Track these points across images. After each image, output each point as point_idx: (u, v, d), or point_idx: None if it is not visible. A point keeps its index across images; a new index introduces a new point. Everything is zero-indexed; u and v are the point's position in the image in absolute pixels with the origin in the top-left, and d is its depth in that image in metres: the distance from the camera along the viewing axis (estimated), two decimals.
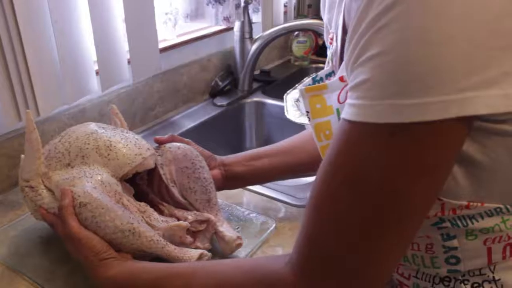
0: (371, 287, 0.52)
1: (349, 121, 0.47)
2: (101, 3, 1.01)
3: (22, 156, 0.77)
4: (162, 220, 0.75)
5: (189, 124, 1.31)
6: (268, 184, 0.99)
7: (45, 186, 0.74)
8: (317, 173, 0.51)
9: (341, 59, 0.64)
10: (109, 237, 0.68)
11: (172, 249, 0.70)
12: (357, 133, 0.47)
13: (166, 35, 1.22)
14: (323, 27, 1.34)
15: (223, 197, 0.95)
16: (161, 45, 1.28)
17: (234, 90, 1.49)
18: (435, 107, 0.42)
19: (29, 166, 0.74)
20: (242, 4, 1.37)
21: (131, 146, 0.77)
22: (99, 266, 0.67)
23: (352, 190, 0.47)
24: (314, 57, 1.86)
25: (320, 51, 1.87)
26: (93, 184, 0.70)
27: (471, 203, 0.56)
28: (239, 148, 1.47)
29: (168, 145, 0.84)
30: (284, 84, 1.52)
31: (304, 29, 1.63)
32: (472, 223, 0.59)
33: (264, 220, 0.87)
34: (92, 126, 0.79)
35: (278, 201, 0.94)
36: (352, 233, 0.48)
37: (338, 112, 0.62)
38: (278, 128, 1.42)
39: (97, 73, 1.07)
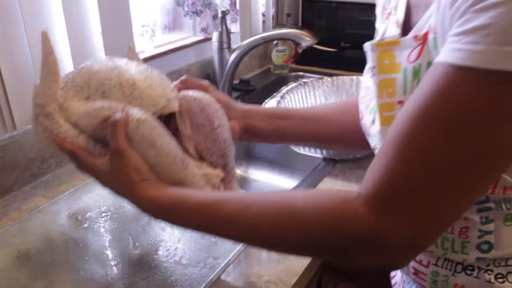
0: (442, 229, 0.52)
1: (454, 66, 0.47)
2: (77, 15, 1.02)
3: (35, 84, 0.67)
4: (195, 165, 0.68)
5: None
6: (246, 192, 1.00)
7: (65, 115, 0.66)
8: (400, 116, 0.51)
9: (404, 29, 0.63)
10: (156, 161, 0.63)
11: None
12: (462, 78, 0.47)
13: (144, 47, 1.23)
14: (301, 36, 1.37)
15: None
16: (140, 56, 1.28)
17: None
18: None
19: (45, 91, 0.65)
20: (220, 14, 1.39)
21: (156, 86, 0.67)
22: (141, 185, 0.63)
23: (446, 133, 0.47)
24: (293, 66, 1.87)
25: (300, 59, 1.89)
26: None
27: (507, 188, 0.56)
28: None
29: (183, 93, 0.71)
30: (264, 93, 1.54)
31: (282, 38, 1.65)
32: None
33: None
34: (115, 59, 0.70)
35: None
36: (439, 173, 0.48)
37: (406, 71, 0.59)
38: None
39: None
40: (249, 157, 1.47)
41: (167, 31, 1.30)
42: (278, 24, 1.88)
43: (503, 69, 0.44)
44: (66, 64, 1.04)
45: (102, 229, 0.91)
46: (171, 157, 0.63)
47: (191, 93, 0.70)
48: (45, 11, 0.97)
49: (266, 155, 1.42)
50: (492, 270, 0.64)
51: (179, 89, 0.74)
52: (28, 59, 0.96)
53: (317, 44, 1.91)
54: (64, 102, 0.66)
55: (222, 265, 0.80)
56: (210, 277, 0.77)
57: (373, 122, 0.66)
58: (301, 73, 1.81)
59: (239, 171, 1.45)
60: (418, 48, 0.58)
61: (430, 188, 0.49)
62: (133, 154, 0.63)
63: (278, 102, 1.23)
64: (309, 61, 1.87)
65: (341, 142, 0.86)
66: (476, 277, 0.65)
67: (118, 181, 0.64)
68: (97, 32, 1.08)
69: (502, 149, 0.48)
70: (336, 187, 1.02)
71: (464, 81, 0.46)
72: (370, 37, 1.86)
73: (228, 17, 1.53)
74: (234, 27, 1.57)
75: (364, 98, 0.72)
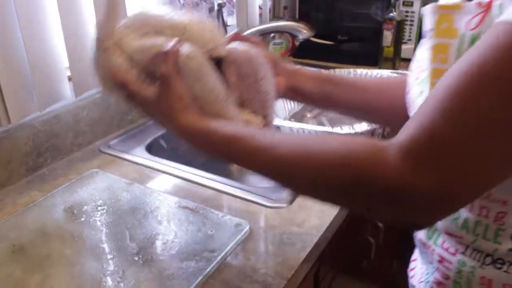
0: (473, 194, 0.50)
1: None
2: (71, 8, 1.01)
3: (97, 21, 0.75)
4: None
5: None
6: (241, 186, 1.00)
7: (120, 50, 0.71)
8: (452, 71, 0.50)
9: None
10: (200, 95, 0.67)
11: None
12: None
13: None
14: (298, 29, 1.37)
15: (198, 200, 0.96)
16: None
17: None
18: None
19: (105, 27, 0.71)
20: (216, 7, 1.37)
21: (206, 31, 0.72)
22: (181, 113, 0.66)
23: (502, 95, 0.45)
24: (290, 59, 1.87)
25: (297, 52, 1.89)
26: None
27: None
28: None
29: (232, 44, 0.74)
30: None
31: (279, 31, 1.64)
32: None
33: (238, 222, 0.87)
34: (167, 8, 0.75)
35: (252, 203, 0.94)
36: (487, 136, 0.46)
37: (463, 38, 0.57)
38: None
39: (70, 79, 1.07)
40: None
41: None
42: (275, 17, 1.87)
43: None
44: (61, 57, 1.03)
45: (98, 223, 0.90)
46: (215, 94, 0.68)
47: (239, 45, 0.74)
48: (39, 4, 0.96)
49: None
50: None
51: (230, 41, 0.76)
52: (22, 51, 0.95)
53: (314, 37, 1.90)
54: (121, 38, 0.71)
55: (219, 258, 0.79)
56: (207, 270, 0.76)
57: (421, 93, 0.64)
58: (298, 66, 1.79)
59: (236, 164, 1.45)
60: (480, 16, 0.56)
61: (473, 149, 0.47)
62: (179, 82, 0.66)
63: None
64: (306, 54, 1.86)
65: (386, 115, 0.83)
66: (506, 271, 0.62)
67: (162, 108, 0.67)
68: (91, 25, 1.07)
69: None
70: None
71: None
72: (367, 29, 1.86)
73: (224, 10, 1.52)
74: (231, 20, 1.56)
75: (414, 70, 0.69)
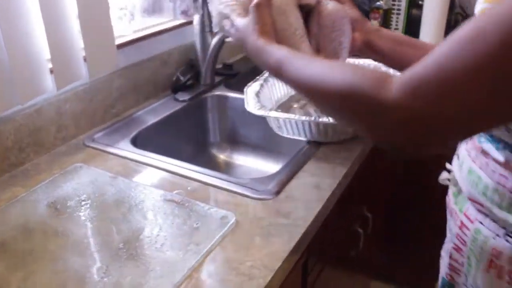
0: (457, 134, 0.53)
1: None
2: (53, 2, 0.99)
3: None
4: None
5: (151, 120, 1.29)
6: (227, 177, 0.99)
7: None
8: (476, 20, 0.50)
9: None
10: (281, 27, 0.77)
11: None
12: None
13: (123, 31, 1.20)
14: None
15: (184, 192, 0.94)
16: (119, 41, 1.25)
17: (196, 84, 1.48)
18: None
19: None
20: None
21: None
22: (258, 33, 0.75)
23: (502, 38, 0.46)
24: None
25: None
26: None
27: None
28: (203, 143, 1.46)
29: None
30: (247, 77, 1.51)
31: None
32: None
33: (224, 214, 0.86)
34: None
35: (238, 195, 0.93)
36: (481, 76, 0.47)
37: None
38: (241, 120, 1.41)
39: (51, 71, 1.05)
40: (233, 142, 1.45)
41: (146, 15, 1.27)
42: None
43: None
44: (42, 49, 1.01)
45: (82, 218, 0.88)
46: (293, 29, 0.78)
47: (327, 1, 0.83)
48: None
49: (250, 140, 1.40)
50: None
51: None
52: (0, 42, 0.93)
53: None
54: None
55: (204, 251, 0.78)
56: (192, 263, 0.75)
57: None
58: (378, 27, 1.78)
59: (223, 157, 1.44)
60: None
61: (469, 86, 0.48)
62: (266, 12, 0.76)
63: (261, 85, 1.21)
64: None
65: None
66: None
67: (247, 29, 0.77)
68: (73, 16, 1.05)
69: None
70: (321, 170, 1.01)
71: None
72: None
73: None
74: None
75: None
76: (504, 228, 0.67)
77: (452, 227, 0.78)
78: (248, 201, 0.92)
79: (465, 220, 0.74)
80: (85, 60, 1.11)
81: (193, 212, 0.88)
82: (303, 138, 1.09)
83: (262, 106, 1.09)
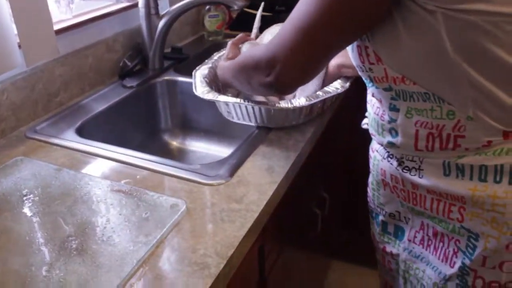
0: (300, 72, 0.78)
1: None
2: None
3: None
4: None
5: (98, 108, 1.24)
6: (178, 164, 0.95)
7: None
8: None
9: None
10: None
11: None
12: None
13: (61, 15, 1.14)
14: (232, 0, 1.32)
15: (132, 182, 0.91)
16: (58, 26, 1.19)
17: (144, 69, 1.43)
18: None
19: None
20: None
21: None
22: (227, 58, 1.10)
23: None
24: (228, 31, 1.81)
25: (234, 24, 1.83)
26: None
27: (406, 80, 0.74)
28: (154, 129, 1.42)
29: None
30: (197, 60, 1.47)
31: (213, 2, 1.57)
32: (410, 101, 0.77)
33: (174, 202, 0.83)
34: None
35: (189, 182, 0.90)
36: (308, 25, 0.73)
37: None
38: (193, 105, 1.37)
39: None
40: (185, 128, 1.41)
41: None
42: None
43: None
44: None
45: (25, 214, 0.83)
46: None
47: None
48: None
49: (202, 126, 1.37)
50: (403, 162, 0.84)
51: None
52: None
53: (250, 8, 1.85)
54: None
55: (154, 241, 0.75)
56: (141, 255, 0.72)
57: None
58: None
59: (175, 143, 1.40)
60: None
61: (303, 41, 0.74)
62: (235, 47, 1.17)
63: (210, 68, 1.17)
64: (244, 26, 1.79)
65: None
66: (390, 163, 0.87)
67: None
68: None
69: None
70: (273, 153, 0.99)
71: None
72: None
73: None
74: None
75: None
76: (387, 152, 0.88)
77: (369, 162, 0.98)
78: (199, 187, 0.89)
79: (371, 153, 0.95)
80: (20, 47, 1.04)
81: (142, 201, 0.85)
82: (253, 124, 1.07)
83: (210, 90, 1.06)
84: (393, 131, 0.83)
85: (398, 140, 0.82)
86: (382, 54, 0.74)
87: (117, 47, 1.40)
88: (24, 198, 0.88)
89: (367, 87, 0.89)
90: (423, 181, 0.81)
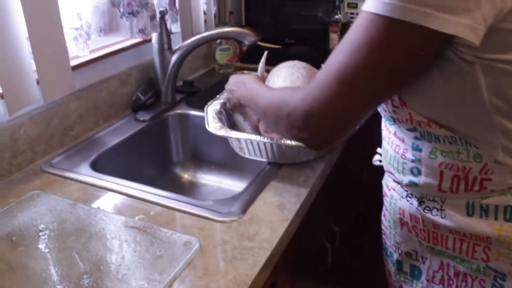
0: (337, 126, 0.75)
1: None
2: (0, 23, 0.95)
3: None
4: None
5: (112, 142, 1.26)
6: (190, 200, 0.96)
7: None
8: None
9: None
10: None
11: None
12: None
13: (79, 51, 1.17)
14: (243, 35, 1.34)
15: (146, 218, 0.92)
16: (75, 62, 1.22)
17: (157, 103, 1.45)
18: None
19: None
20: (158, 15, 1.34)
21: None
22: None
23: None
24: (239, 64, 1.84)
25: (245, 57, 1.87)
26: None
27: (431, 123, 0.73)
28: (166, 162, 1.43)
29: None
30: (208, 94, 1.50)
31: (224, 37, 1.61)
32: (435, 142, 0.76)
33: (187, 239, 0.84)
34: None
35: (202, 218, 0.91)
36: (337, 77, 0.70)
37: None
38: (204, 139, 1.39)
39: (2, 96, 1.01)
40: (196, 162, 1.43)
41: (103, 34, 1.24)
42: (220, 22, 1.84)
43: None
44: None
45: (40, 250, 0.85)
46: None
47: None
48: None
49: (214, 159, 1.38)
50: (423, 201, 0.83)
51: None
52: None
53: (261, 41, 1.89)
54: None
55: (168, 279, 0.76)
56: None
57: None
58: (246, 72, 1.77)
59: (187, 176, 1.42)
60: None
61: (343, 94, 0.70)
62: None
63: (222, 103, 1.19)
64: (255, 58, 1.83)
65: None
66: (411, 203, 0.85)
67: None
68: (23, 37, 1.02)
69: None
70: (284, 189, 1.00)
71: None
72: (315, 32, 1.85)
73: (168, 17, 1.48)
74: (175, 27, 1.52)
75: None
76: (406, 191, 0.86)
77: (383, 199, 0.96)
78: (211, 224, 0.90)
79: (386, 190, 0.93)
80: (38, 83, 1.07)
81: (155, 238, 0.86)
82: (264, 160, 1.08)
83: (223, 126, 1.08)
84: (415, 171, 0.82)
85: (420, 180, 0.81)
86: (408, 99, 0.74)
87: (131, 81, 1.43)
88: (40, 233, 0.89)
89: (387, 125, 0.88)
90: (445, 221, 0.80)
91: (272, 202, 0.95)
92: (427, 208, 0.82)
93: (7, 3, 0.96)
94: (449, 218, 0.80)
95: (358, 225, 1.82)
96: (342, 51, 0.69)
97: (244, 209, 0.93)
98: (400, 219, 0.90)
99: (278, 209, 0.93)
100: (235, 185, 1.33)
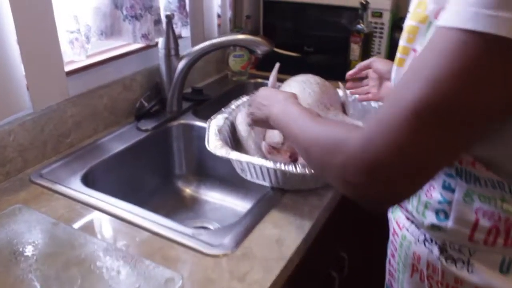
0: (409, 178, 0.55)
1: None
2: None
3: None
4: None
5: (110, 150, 1.18)
6: (181, 228, 0.88)
7: None
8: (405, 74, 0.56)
9: None
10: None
11: None
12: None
13: (75, 56, 1.09)
14: (256, 43, 1.25)
15: (130, 244, 0.84)
16: (74, 66, 1.15)
17: (162, 111, 1.37)
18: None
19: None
20: (164, 19, 1.25)
21: None
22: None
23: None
24: (253, 71, 1.75)
25: (260, 64, 1.77)
26: None
27: (477, 162, 0.63)
28: (168, 175, 1.35)
29: None
30: (218, 103, 1.41)
31: (235, 45, 1.51)
32: (475, 185, 0.64)
33: (169, 276, 0.75)
34: None
35: (189, 249, 0.82)
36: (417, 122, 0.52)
37: (430, 24, 0.62)
38: (209, 152, 1.29)
39: None
40: (200, 176, 1.34)
41: (104, 37, 1.16)
42: (235, 27, 1.74)
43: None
44: None
45: (10, 274, 0.77)
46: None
47: None
48: None
49: (218, 174, 1.29)
50: (446, 250, 0.70)
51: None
52: None
53: (279, 47, 1.80)
54: None
55: None
56: None
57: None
58: (260, 80, 1.68)
59: (188, 190, 1.33)
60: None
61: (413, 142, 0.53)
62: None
63: (226, 118, 1.10)
64: (271, 66, 1.74)
65: None
66: (430, 250, 0.72)
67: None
68: (12, 40, 0.94)
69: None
70: (286, 220, 0.90)
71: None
72: (336, 40, 1.74)
73: (178, 21, 1.40)
74: (185, 32, 1.44)
75: None
76: (424, 234, 0.73)
77: (390, 234, 0.85)
78: (200, 257, 0.81)
79: (396, 227, 0.81)
80: (28, 89, 1.00)
81: (135, 270, 0.77)
82: (267, 184, 0.99)
83: (224, 145, 0.99)
84: (441, 214, 0.69)
85: (447, 225, 0.68)
86: None
87: (135, 86, 1.35)
88: (13, 255, 0.82)
89: None
90: (472, 277, 0.68)
91: (270, 236, 0.86)
92: (451, 259, 0.70)
93: None
94: (477, 274, 0.68)
95: (366, 253, 1.71)
96: (420, 81, 0.52)
97: (238, 242, 0.83)
98: (413, 265, 0.77)
99: (276, 245, 0.83)
100: (238, 204, 1.24)
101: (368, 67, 1.17)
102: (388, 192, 0.56)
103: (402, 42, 0.69)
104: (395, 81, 0.73)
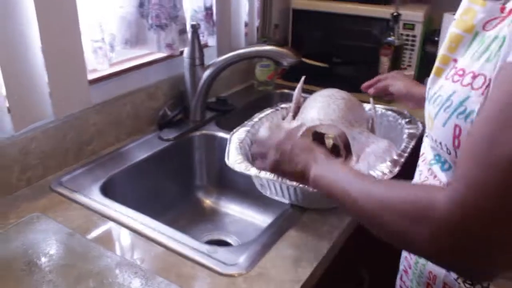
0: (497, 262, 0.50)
1: None
2: (11, 31, 0.88)
3: None
4: None
5: (132, 159, 1.18)
6: (196, 244, 0.86)
7: None
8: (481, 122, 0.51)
9: None
10: None
11: None
12: None
13: (98, 65, 1.09)
14: (282, 55, 1.23)
15: (144, 259, 0.82)
16: (97, 75, 1.15)
17: (185, 120, 1.36)
18: None
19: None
20: (190, 29, 1.24)
21: None
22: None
23: None
24: (280, 81, 1.73)
25: (287, 74, 1.75)
26: None
27: None
28: (189, 185, 1.34)
29: None
30: (242, 113, 1.39)
31: (260, 56, 1.49)
32: None
33: None
34: None
35: (203, 267, 0.80)
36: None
37: (476, 35, 0.60)
38: None
39: (9, 110, 0.94)
40: (220, 187, 1.33)
41: (129, 46, 1.15)
42: (263, 36, 1.72)
43: None
44: None
45: (27, 284, 0.77)
46: None
47: None
48: None
49: (239, 186, 1.27)
50: None
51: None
52: None
53: (307, 57, 1.77)
54: None
55: None
56: None
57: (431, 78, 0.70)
58: (286, 91, 1.66)
59: (208, 202, 1.32)
60: (497, 20, 0.56)
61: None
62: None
63: (248, 131, 1.08)
64: (298, 76, 1.71)
65: None
66: (447, 270, 0.68)
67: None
68: (38, 49, 0.94)
69: None
70: (304, 240, 0.87)
71: None
72: (366, 50, 1.70)
73: (204, 30, 1.38)
74: (212, 41, 1.43)
75: None
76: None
77: (402, 250, 0.82)
78: (214, 276, 0.79)
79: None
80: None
81: (147, 286, 0.76)
82: (286, 201, 0.96)
83: (244, 160, 0.96)
84: None
85: None
86: None
87: (159, 95, 1.35)
88: (29, 265, 0.81)
89: (433, 169, 0.72)
90: None
91: (286, 256, 0.83)
92: (469, 283, 0.68)
93: (20, 13, 0.89)
94: None
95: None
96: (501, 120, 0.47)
97: (254, 262, 0.81)
98: (428, 283, 0.74)
99: (292, 266, 0.81)
100: (258, 218, 1.21)
101: (385, 88, 1.17)
102: (495, 260, 0.50)
103: (442, 51, 0.66)
104: (430, 91, 0.68)
